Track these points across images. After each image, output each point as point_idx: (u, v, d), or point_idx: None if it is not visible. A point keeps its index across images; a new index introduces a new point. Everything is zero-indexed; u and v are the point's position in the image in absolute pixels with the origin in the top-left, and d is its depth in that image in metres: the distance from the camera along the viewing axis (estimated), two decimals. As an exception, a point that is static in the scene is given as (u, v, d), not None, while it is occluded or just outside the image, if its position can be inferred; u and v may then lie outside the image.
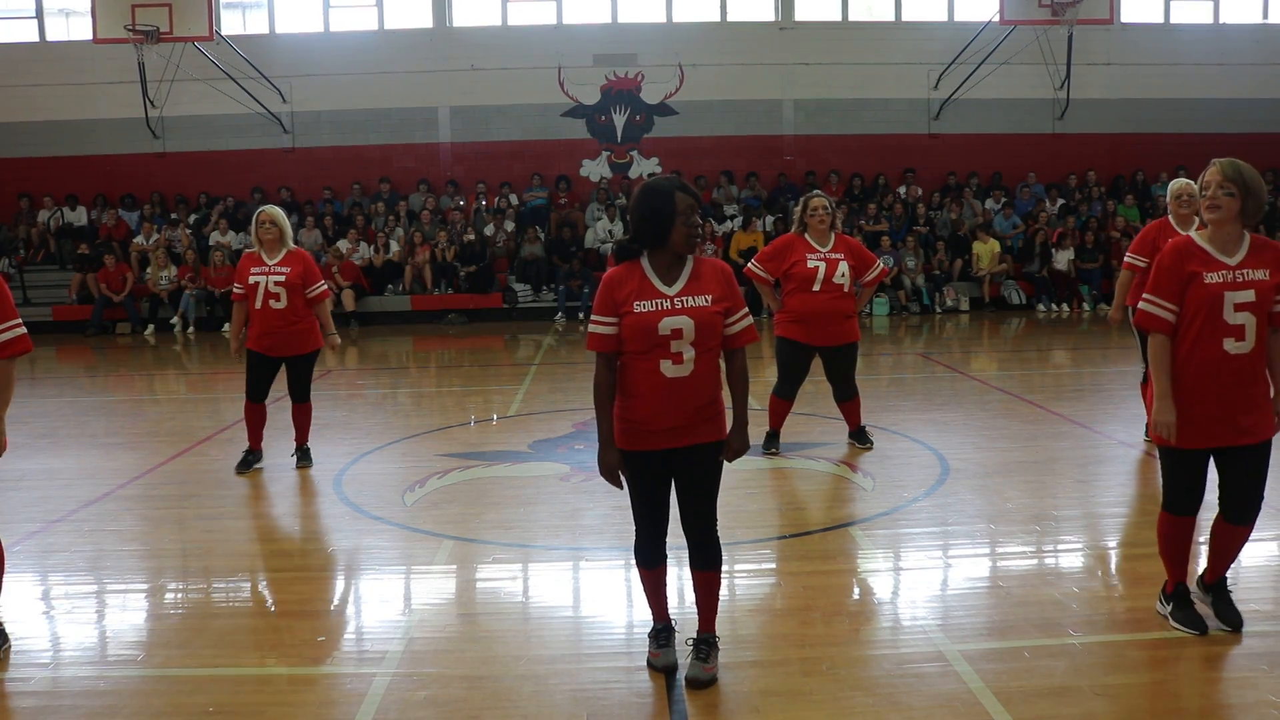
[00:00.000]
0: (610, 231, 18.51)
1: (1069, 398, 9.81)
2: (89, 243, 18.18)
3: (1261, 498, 4.17)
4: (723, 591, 4.28)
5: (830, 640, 4.36)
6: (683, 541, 4.03)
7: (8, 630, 4.41)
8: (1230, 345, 3.98)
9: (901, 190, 19.33)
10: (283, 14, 19.57)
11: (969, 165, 19.62)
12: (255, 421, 7.35)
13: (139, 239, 18.31)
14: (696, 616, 4.09)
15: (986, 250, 17.63)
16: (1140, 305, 4.17)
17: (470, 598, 5.08)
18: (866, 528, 5.87)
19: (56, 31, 19.55)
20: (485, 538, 5.80)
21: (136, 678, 4.15)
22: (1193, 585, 4.44)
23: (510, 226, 18.64)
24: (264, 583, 5.33)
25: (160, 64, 17.73)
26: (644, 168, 19.79)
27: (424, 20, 19.47)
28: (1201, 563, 4.53)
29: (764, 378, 9.39)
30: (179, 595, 5.16)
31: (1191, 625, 4.25)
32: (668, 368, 3.80)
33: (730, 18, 19.93)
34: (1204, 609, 4.36)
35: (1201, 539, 4.73)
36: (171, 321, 16.97)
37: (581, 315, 17.13)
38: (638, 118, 19.82)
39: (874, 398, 9.14)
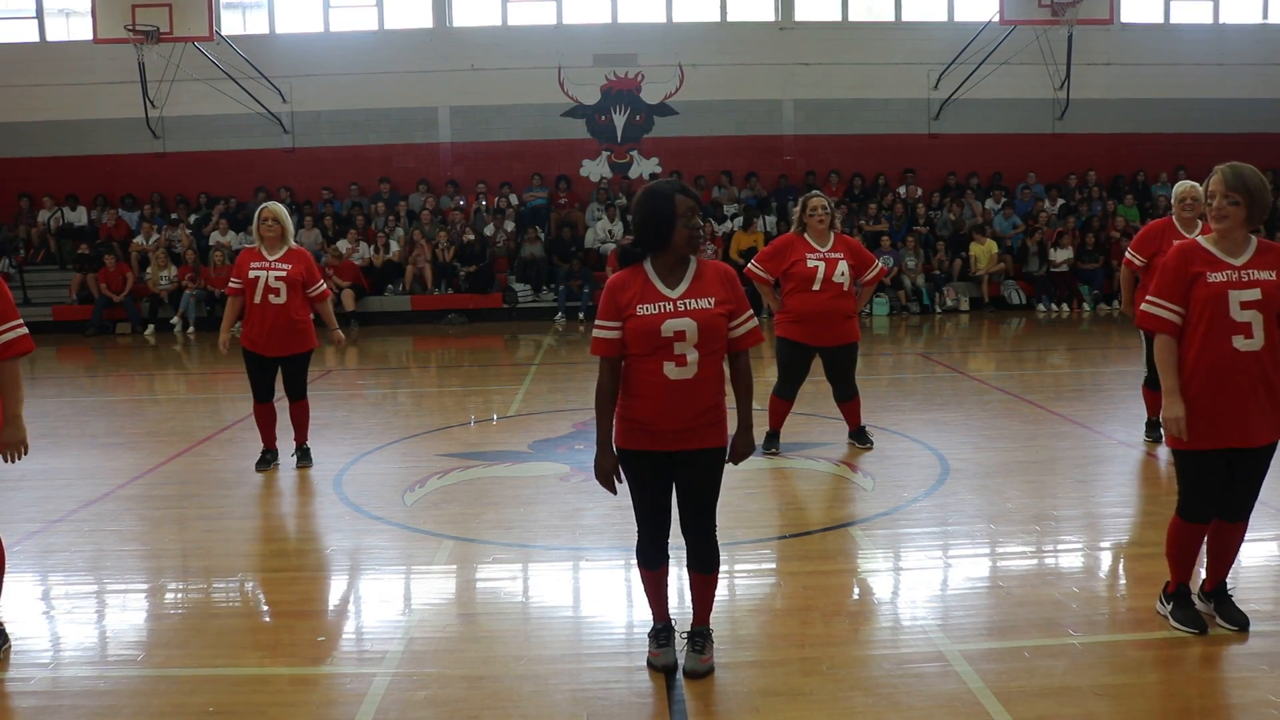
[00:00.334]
0: (610, 231, 18.51)
1: (1069, 398, 9.80)
2: (89, 243, 18.18)
3: (1257, 496, 4.21)
4: (723, 591, 4.29)
5: (830, 640, 4.36)
6: (684, 542, 4.03)
7: (8, 630, 4.41)
8: (1239, 343, 3.98)
9: (901, 190, 19.33)
10: (283, 14, 19.56)
11: (969, 165, 19.62)
12: (265, 421, 7.36)
13: (139, 239, 18.31)
14: (691, 613, 4.11)
15: (984, 251, 17.63)
16: (1143, 307, 4.19)
17: (470, 598, 5.08)
18: (866, 528, 5.87)
19: (56, 31, 19.55)
20: (485, 538, 5.80)
21: (136, 678, 4.15)
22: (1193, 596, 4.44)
23: (510, 226, 18.64)
24: (264, 583, 5.33)
25: (160, 64, 17.73)
26: (644, 168, 19.79)
27: (424, 20, 19.47)
28: (1200, 572, 4.53)
29: (764, 378, 9.39)
30: (179, 595, 5.16)
31: (1191, 624, 4.26)
32: (671, 370, 3.81)
33: (730, 18, 19.93)
34: (1206, 611, 4.36)
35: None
36: (171, 321, 16.98)
37: (582, 315, 17.13)
38: (638, 118, 19.81)
39: (874, 398, 9.14)
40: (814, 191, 7.53)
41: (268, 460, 7.38)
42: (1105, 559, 5.49)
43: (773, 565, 5.41)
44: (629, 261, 3.93)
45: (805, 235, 7.20)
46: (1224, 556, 4.31)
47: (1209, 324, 4.00)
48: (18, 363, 4.27)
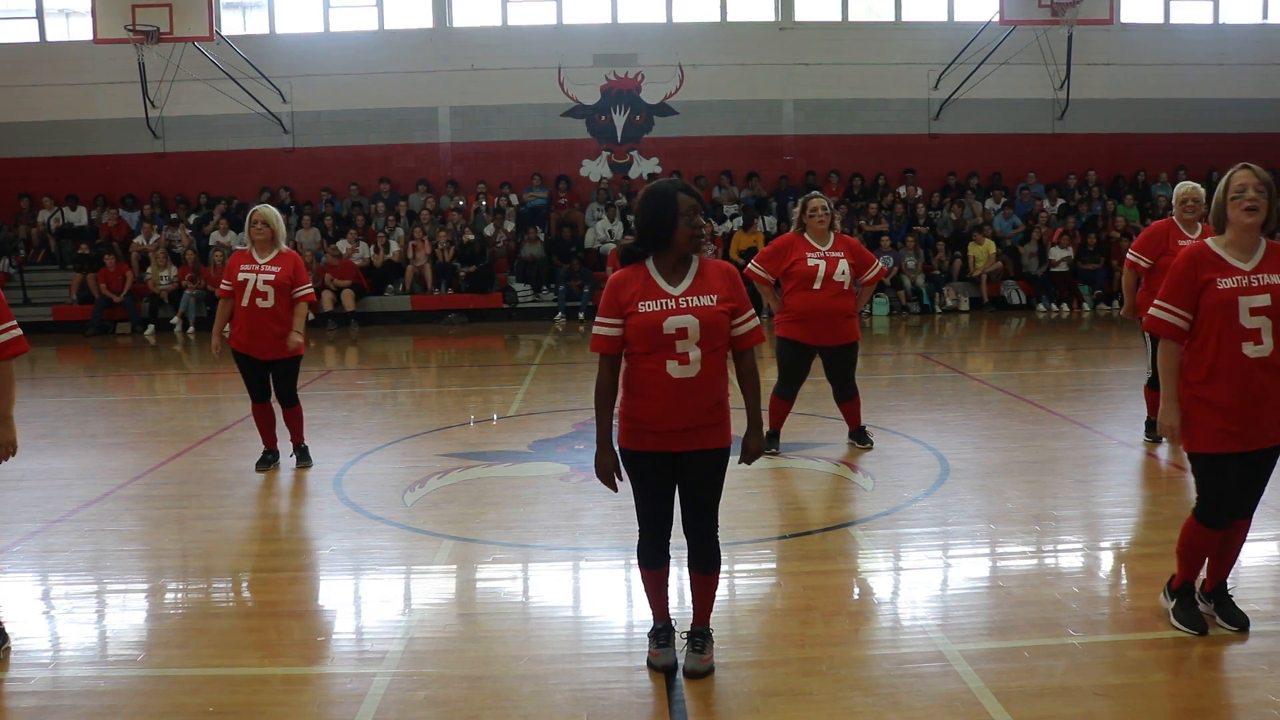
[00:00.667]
0: (610, 231, 18.51)
1: (1069, 398, 9.80)
2: (89, 243, 18.18)
3: (1261, 496, 4.22)
4: (723, 591, 4.28)
5: (830, 640, 4.36)
6: (684, 542, 4.04)
7: (8, 630, 4.41)
8: (1250, 349, 3.97)
9: (901, 190, 19.33)
10: (283, 14, 19.56)
11: (969, 165, 19.62)
12: (264, 422, 7.36)
13: (139, 239, 18.31)
14: (691, 613, 4.11)
15: (982, 251, 17.63)
16: (1151, 311, 4.17)
17: (470, 598, 5.08)
18: (866, 528, 5.87)
19: (56, 31, 19.55)
20: (485, 538, 5.80)
21: (136, 678, 4.15)
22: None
23: (510, 226, 18.64)
24: (264, 583, 5.33)
25: (160, 64, 17.73)
26: (644, 168, 19.79)
27: (424, 20, 19.47)
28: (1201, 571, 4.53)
29: (764, 378, 9.36)
30: (179, 595, 5.16)
31: (1192, 625, 4.26)
32: (673, 368, 3.81)
33: (730, 18, 19.92)
34: (1206, 611, 4.36)
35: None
36: (171, 321, 16.98)
37: (581, 315, 17.13)
38: (638, 118, 19.81)
39: (874, 398, 9.14)
40: (814, 192, 7.53)
41: (268, 460, 7.38)
42: (1105, 559, 5.49)
43: (773, 565, 5.41)
44: (631, 260, 3.93)
45: (805, 235, 7.21)
46: (1227, 556, 4.32)
47: (1221, 331, 3.99)
48: (12, 364, 4.30)
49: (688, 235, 3.82)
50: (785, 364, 7.35)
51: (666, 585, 4.12)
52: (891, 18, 19.82)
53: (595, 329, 3.92)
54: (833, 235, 7.24)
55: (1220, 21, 20.02)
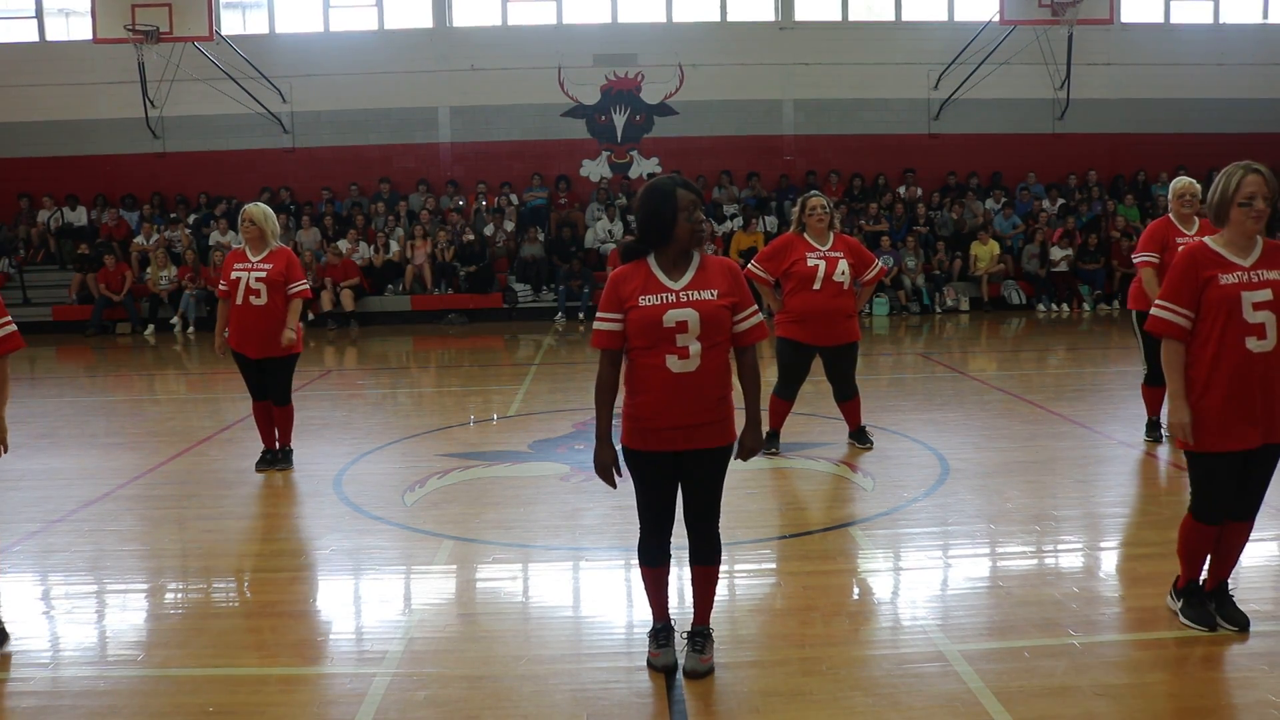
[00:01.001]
0: (610, 231, 18.51)
1: (1069, 398, 9.80)
2: (89, 243, 18.18)
3: (1264, 495, 4.22)
4: (723, 591, 4.28)
5: (830, 640, 4.36)
6: (685, 542, 4.03)
7: (8, 630, 4.42)
8: (1253, 344, 3.98)
9: (901, 190, 19.33)
10: (283, 14, 19.56)
11: (969, 165, 19.62)
12: (263, 420, 7.35)
13: (139, 239, 18.31)
14: (691, 613, 4.11)
15: (985, 251, 17.63)
16: (1153, 311, 4.17)
17: (470, 598, 5.08)
18: (866, 528, 5.87)
19: (56, 31, 19.55)
20: (485, 538, 5.80)
21: (136, 678, 4.15)
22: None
23: (510, 226, 18.64)
24: (264, 583, 5.32)
25: (160, 64, 17.73)
26: (644, 168, 19.79)
27: (424, 20, 19.47)
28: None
29: (764, 378, 9.37)
30: (179, 595, 5.16)
31: (1201, 622, 4.27)
32: (674, 363, 3.81)
33: (730, 18, 19.92)
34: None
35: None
36: (171, 321, 16.98)
37: (581, 315, 17.13)
38: (638, 118, 19.81)
39: (874, 398, 9.13)
40: (813, 191, 7.53)
41: (268, 460, 7.38)
42: (1105, 559, 5.48)
43: (773, 565, 5.41)
44: (632, 257, 3.94)
45: (805, 235, 7.20)
46: (1228, 556, 4.32)
47: (1224, 327, 3.99)
48: (7, 361, 4.31)
49: (688, 230, 3.83)
50: (785, 364, 7.35)
51: (667, 584, 4.12)
52: (891, 17, 19.82)
53: (596, 324, 3.93)
54: (832, 235, 7.24)
55: (1220, 21, 20.02)
